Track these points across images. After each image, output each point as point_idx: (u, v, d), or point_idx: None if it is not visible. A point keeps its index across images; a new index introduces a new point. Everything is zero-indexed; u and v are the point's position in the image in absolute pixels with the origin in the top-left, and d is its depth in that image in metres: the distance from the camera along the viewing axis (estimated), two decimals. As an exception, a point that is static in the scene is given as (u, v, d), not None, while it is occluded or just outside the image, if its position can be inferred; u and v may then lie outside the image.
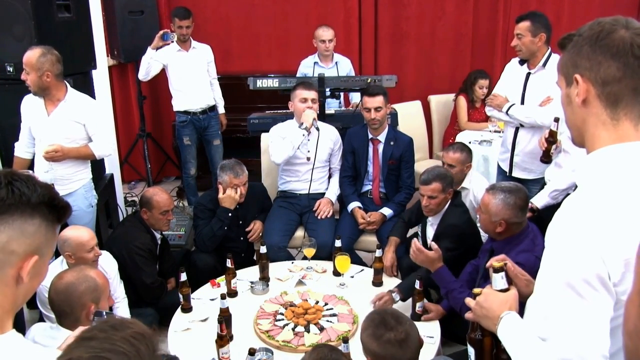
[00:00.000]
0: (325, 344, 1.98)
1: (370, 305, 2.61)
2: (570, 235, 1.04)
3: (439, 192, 2.84)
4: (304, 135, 3.34)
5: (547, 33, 3.05)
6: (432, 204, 2.86)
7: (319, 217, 3.44)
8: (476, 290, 1.42)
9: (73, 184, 3.15)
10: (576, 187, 1.12)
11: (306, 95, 3.37)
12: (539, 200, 2.78)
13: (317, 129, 3.35)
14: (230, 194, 3.22)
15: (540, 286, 1.12)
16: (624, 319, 0.77)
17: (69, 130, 3.05)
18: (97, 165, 3.68)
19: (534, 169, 3.14)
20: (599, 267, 1.00)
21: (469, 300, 1.42)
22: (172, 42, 4.28)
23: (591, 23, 1.09)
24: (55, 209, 1.02)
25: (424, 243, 3.06)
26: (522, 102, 3.21)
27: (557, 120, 2.84)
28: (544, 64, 3.10)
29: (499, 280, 1.38)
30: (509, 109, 3.21)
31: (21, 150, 3.18)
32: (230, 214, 3.23)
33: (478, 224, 2.72)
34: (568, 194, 2.70)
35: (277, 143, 3.45)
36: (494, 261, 1.47)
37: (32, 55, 2.86)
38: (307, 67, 4.53)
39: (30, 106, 3.07)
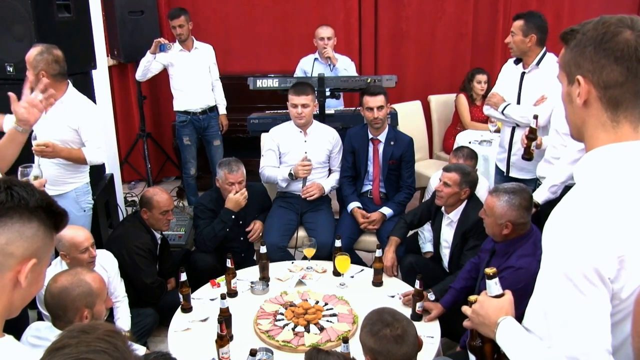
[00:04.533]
0: (316, 348, 1.92)
1: (399, 298, 2.70)
2: (567, 232, 1.04)
3: (454, 183, 2.85)
4: (289, 178, 3.41)
5: (539, 35, 3.08)
6: (444, 192, 2.87)
7: (302, 196, 3.43)
8: (471, 297, 1.40)
9: (65, 185, 3.06)
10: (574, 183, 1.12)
11: (296, 101, 3.35)
12: (539, 196, 2.79)
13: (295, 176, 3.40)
14: (238, 198, 3.21)
15: (540, 284, 1.12)
16: (633, 321, 0.76)
17: (61, 133, 2.97)
18: (97, 166, 3.68)
19: (531, 169, 3.16)
20: (595, 262, 1.00)
21: (465, 309, 1.40)
22: (170, 50, 4.31)
23: (596, 21, 1.07)
24: (52, 215, 1.04)
25: (437, 244, 3.10)
26: (518, 102, 3.23)
27: (536, 117, 2.88)
28: (538, 63, 3.13)
29: (493, 286, 1.37)
30: (504, 108, 3.23)
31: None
32: (233, 216, 3.23)
33: None
34: (567, 187, 2.71)
35: (268, 157, 3.48)
36: (488, 268, 1.46)
37: (31, 53, 2.84)
38: (307, 64, 4.52)
39: None
